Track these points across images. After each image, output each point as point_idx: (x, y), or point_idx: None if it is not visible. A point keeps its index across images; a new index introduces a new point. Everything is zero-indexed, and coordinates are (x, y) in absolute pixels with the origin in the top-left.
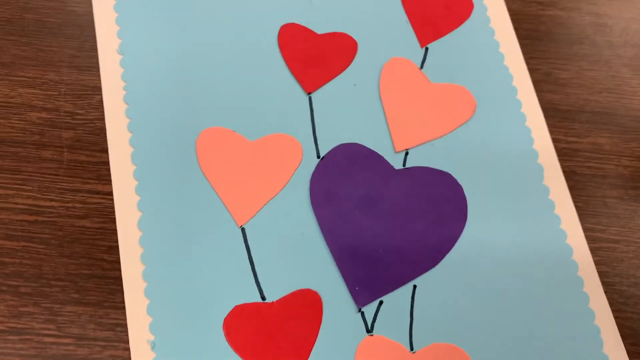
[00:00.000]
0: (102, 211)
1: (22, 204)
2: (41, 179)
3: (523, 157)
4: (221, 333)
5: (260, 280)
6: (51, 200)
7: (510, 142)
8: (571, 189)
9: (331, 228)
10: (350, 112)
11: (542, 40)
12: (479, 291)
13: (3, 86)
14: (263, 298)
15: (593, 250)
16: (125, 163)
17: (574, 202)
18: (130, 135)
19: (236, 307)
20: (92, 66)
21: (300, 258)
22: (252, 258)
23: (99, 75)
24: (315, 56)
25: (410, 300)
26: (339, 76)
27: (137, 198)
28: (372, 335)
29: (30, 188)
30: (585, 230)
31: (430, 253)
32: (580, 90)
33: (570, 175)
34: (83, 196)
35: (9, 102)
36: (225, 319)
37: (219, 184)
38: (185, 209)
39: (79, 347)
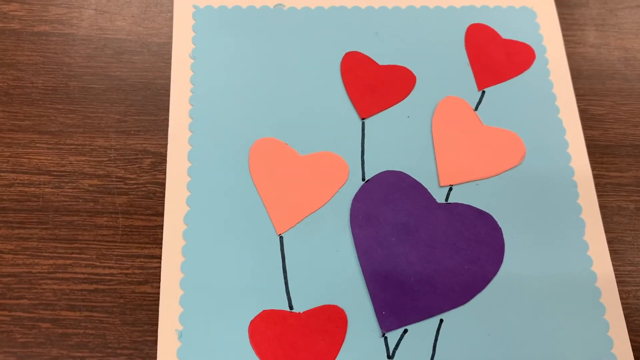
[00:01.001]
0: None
1: (82, 272)
2: (98, 246)
3: (565, 205)
4: (246, 334)
5: (290, 289)
6: (110, 267)
7: (553, 189)
8: (616, 224)
9: (366, 250)
10: (400, 142)
11: (575, 78)
12: (504, 334)
13: (53, 155)
14: (291, 307)
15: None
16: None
17: (620, 239)
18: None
19: (264, 311)
20: (140, 130)
21: (332, 274)
22: (285, 266)
23: (147, 139)
24: (374, 85)
25: (435, 333)
26: (395, 107)
27: (187, 196)
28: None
29: (88, 256)
30: (636, 264)
31: (461, 290)
32: (617, 124)
33: (615, 211)
34: (141, 261)
35: (61, 171)
36: (252, 321)
37: (265, 192)
38: (231, 210)
39: None
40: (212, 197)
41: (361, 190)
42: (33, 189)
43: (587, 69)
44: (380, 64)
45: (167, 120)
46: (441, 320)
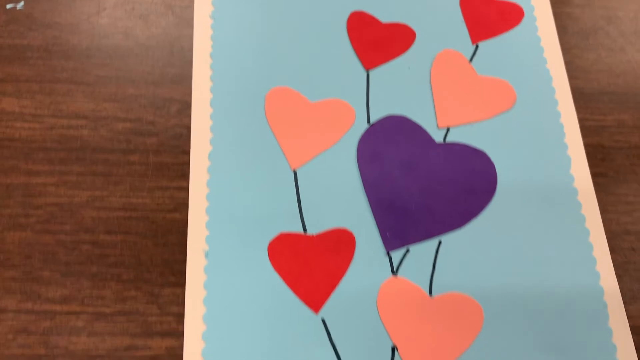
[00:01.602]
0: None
1: (117, 202)
2: (131, 180)
3: (552, 144)
4: (265, 254)
5: (304, 216)
6: (142, 197)
7: (541, 131)
8: (601, 159)
9: (372, 182)
10: (402, 90)
11: (561, 35)
12: (499, 255)
13: (89, 102)
14: (305, 230)
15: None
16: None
17: (603, 173)
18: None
19: (281, 234)
20: (166, 80)
21: (341, 203)
22: (299, 197)
23: (173, 88)
24: (377, 40)
25: (434, 253)
26: (396, 59)
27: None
28: (396, 276)
29: (123, 188)
30: (617, 195)
31: (458, 216)
32: (600, 75)
33: (598, 149)
34: (171, 192)
35: (96, 116)
36: (270, 242)
37: (280, 133)
38: (250, 149)
39: (180, 323)
40: (233, 138)
41: (367, 132)
42: (72, 131)
43: (572, 26)
44: (382, 22)
45: (191, 72)
46: (440, 242)
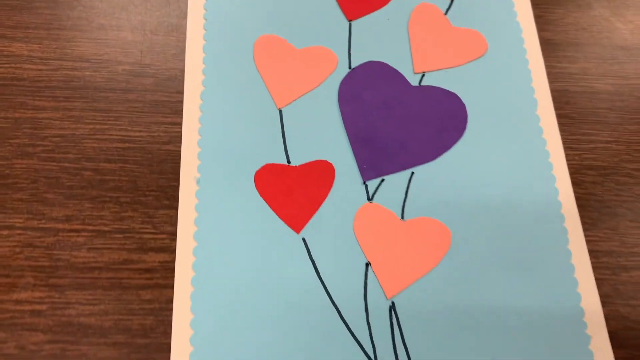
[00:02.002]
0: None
1: (116, 135)
2: (130, 115)
3: (520, 88)
4: (252, 182)
5: (288, 149)
6: (139, 131)
7: (510, 76)
8: (565, 103)
9: (351, 120)
10: (382, 39)
11: None
12: (467, 184)
13: (92, 47)
14: (288, 162)
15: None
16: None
17: (567, 115)
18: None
19: (267, 165)
20: (163, 29)
21: (322, 138)
22: (284, 133)
23: (168, 36)
24: None
25: (407, 182)
26: (377, 11)
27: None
28: (371, 202)
29: (122, 123)
30: (580, 135)
31: (430, 150)
32: (568, 27)
33: (563, 93)
34: (166, 127)
35: (99, 59)
36: (256, 172)
37: (267, 76)
38: (238, 88)
39: (172, 240)
40: (223, 80)
41: (348, 75)
42: (76, 72)
43: None
44: None
45: (186, 22)
46: (412, 173)
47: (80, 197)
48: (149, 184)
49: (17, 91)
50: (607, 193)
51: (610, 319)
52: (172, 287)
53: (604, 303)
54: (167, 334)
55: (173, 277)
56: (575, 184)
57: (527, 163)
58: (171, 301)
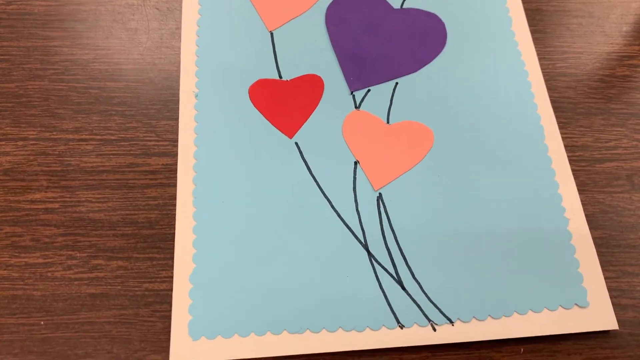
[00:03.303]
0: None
1: (120, 59)
2: (130, 44)
3: (495, 6)
4: (247, 95)
5: (280, 67)
6: (141, 55)
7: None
8: (539, 20)
9: (339, 39)
10: None
11: None
12: (448, 92)
13: None
14: (280, 77)
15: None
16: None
17: (541, 30)
18: None
19: (260, 80)
20: None
21: (311, 56)
22: (275, 52)
23: None
24: None
25: (392, 91)
26: None
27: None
28: (359, 110)
29: (124, 49)
30: (553, 47)
31: (412, 63)
32: None
33: (537, 12)
34: (164, 51)
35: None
36: (251, 86)
37: (258, 2)
38: (233, 17)
39: (174, 146)
40: (218, 9)
41: (334, 0)
42: (83, 7)
43: None
44: None
45: None
46: (397, 83)
47: (88, 111)
48: (151, 99)
49: (29, 24)
50: (581, 96)
51: (587, 204)
52: (174, 185)
53: (580, 190)
54: (171, 225)
55: (175, 177)
56: (550, 89)
57: (503, 72)
58: (174, 198)
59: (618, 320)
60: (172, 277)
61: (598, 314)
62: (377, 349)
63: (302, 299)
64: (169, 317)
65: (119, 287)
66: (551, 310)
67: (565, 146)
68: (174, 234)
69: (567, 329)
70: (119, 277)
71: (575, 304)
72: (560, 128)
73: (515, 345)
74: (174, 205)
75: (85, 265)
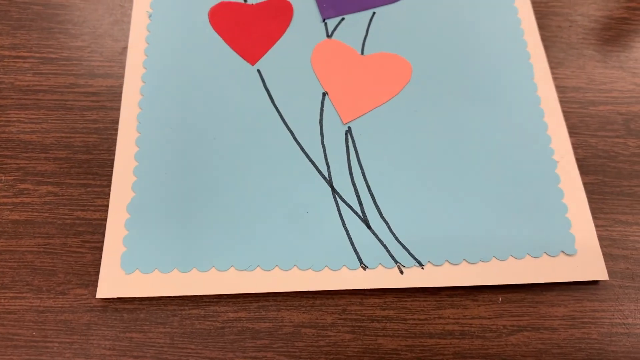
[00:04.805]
0: None
1: None
2: None
3: None
4: (207, 18)
5: None
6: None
7: None
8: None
9: None
10: None
11: None
12: (432, 28)
13: None
14: (245, 0)
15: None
16: None
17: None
18: None
19: (222, 2)
20: None
21: None
22: None
23: None
24: None
25: (368, 21)
26: None
27: None
28: (330, 39)
29: None
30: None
31: None
32: None
33: None
34: None
35: None
36: (211, 8)
37: None
38: None
39: (121, 67)
40: None
41: None
42: None
43: None
44: None
45: None
46: (374, 13)
47: (28, 28)
48: (100, 19)
49: None
50: (575, 37)
51: (578, 147)
52: (118, 109)
53: (571, 133)
54: (111, 151)
55: (120, 100)
56: (542, 28)
57: (490, 5)
58: (117, 122)
59: (608, 272)
60: (107, 205)
61: (586, 263)
62: (336, 290)
63: (254, 234)
64: (101, 249)
65: (47, 215)
66: (534, 257)
67: (557, 86)
68: (113, 160)
69: (551, 277)
70: (48, 204)
71: (562, 252)
72: (551, 68)
73: (493, 294)
74: (116, 130)
75: (10, 189)
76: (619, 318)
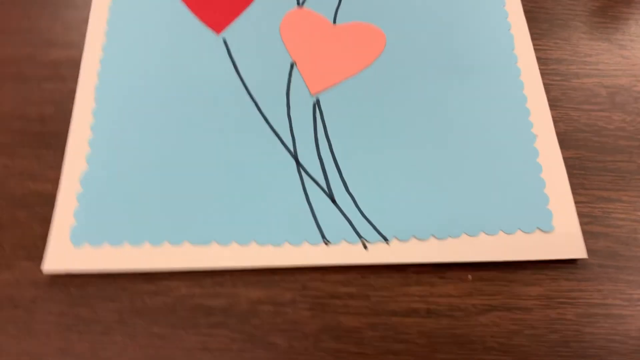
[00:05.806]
0: None
1: None
2: None
3: None
4: None
5: None
6: None
7: None
8: None
9: None
10: None
11: None
12: (404, 1)
13: None
14: None
15: None
16: None
17: None
18: None
19: None
20: None
21: None
22: None
23: None
24: None
25: None
26: None
27: None
28: (301, 7)
29: None
30: None
31: None
32: None
33: None
34: None
35: None
36: None
37: None
38: None
39: (82, 37)
40: None
41: None
42: None
43: None
44: None
45: None
46: None
47: None
48: None
49: None
50: (559, 7)
51: (559, 121)
52: (76, 80)
53: (552, 106)
54: (66, 122)
55: (78, 71)
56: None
57: None
58: (74, 92)
59: (588, 250)
60: (60, 178)
61: (564, 241)
62: (296, 266)
63: (210, 208)
64: (51, 221)
65: None
66: (508, 234)
67: (538, 58)
68: (67, 131)
69: (526, 255)
70: None
71: (538, 228)
72: (533, 40)
73: (463, 271)
74: (73, 100)
75: None
76: (598, 298)
